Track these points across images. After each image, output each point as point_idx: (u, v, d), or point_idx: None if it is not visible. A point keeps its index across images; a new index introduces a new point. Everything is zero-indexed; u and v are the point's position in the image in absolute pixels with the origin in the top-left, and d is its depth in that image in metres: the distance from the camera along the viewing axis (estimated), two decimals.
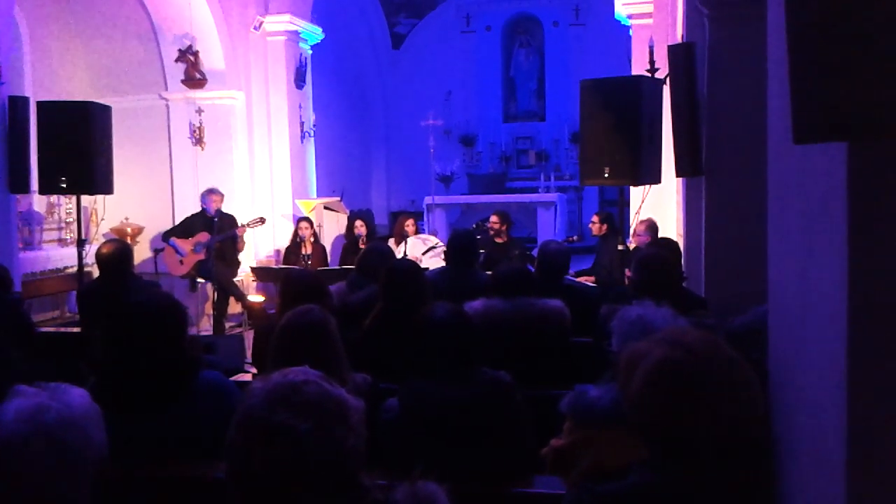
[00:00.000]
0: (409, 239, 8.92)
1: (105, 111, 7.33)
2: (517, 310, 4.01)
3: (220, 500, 1.57)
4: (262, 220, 9.25)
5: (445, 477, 1.61)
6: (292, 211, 10.69)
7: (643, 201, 6.83)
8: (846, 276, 1.27)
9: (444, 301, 3.12)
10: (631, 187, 7.03)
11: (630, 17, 9.31)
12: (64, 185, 7.07)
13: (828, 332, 1.40)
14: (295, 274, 4.52)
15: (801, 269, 1.70)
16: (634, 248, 7.05)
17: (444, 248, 6.41)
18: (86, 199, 8.23)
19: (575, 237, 12.27)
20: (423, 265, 6.67)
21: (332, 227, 10.70)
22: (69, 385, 1.77)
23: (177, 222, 9.62)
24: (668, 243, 5.69)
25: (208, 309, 9.38)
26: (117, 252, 5.40)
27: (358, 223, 9.30)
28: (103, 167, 7.14)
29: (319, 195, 11.58)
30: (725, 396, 1.64)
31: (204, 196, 9.13)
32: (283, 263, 9.49)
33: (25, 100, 7.17)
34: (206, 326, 9.35)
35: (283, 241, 10.15)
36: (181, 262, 9.00)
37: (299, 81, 10.97)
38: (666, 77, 6.06)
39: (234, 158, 10.41)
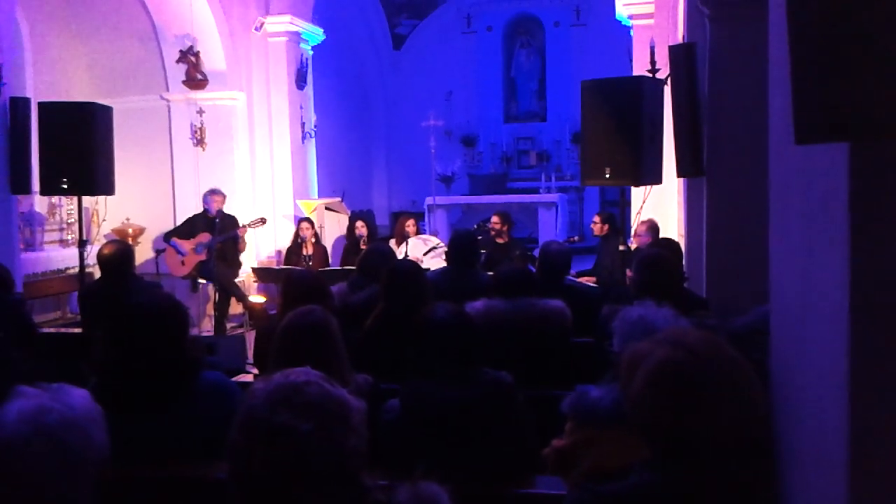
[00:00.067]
0: (410, 239, 8.92)
1: (106, 112, 7.34)
2: (518, 310, 4.00)
3: (222, 501, 1.57)
4: (263, 221, 9.26)
5: (447, 477, 1.61)
6: (293, 211, 10.69)
7: (644, 202, 6.83)
8: (847, 276, 1.27)
9: (445, 301, 3.12)
10: (632, 188, 7.02)
11: (631, 17, 9.31)
12: (65, 186, 7.08)
13: (829, 332, 1.40)
14: (296, 275, 4.52)
15: (802, 269, 1.70)
16: (635, 248, 7.04)
17: (445, 249, 6.41)
18: (87, 200, 8.24)
19: (576, 237, 12.27)
20: (424, 266, 6.66)
21: (333, 227, 10.70)
22: (71, 386, 1.77)
23: (178, 223, 9.62)
24: (669, 244, 5.69)
25: (209, 310, 9.38)
26: (119, 253, 5.40)
27: (359, 224, 9.31)
28: (104, 168, 7.15)
29: (320, 196, 11.58)
30: (727, 397, 1.64)
31: (206, 196, 9.14)
32: (285, 264, 9.50)
33: (27, 101, 7.17)
34: (207, 327, 9.35)
35: (285, 242, 10.15)
36: (182, 262, 9.01)
37: (300, 82, 10.97)
38: (667, 77, 6.06)
39: (236, 159, 10.41)
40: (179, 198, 10.39)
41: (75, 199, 7.51)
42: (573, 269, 7.25)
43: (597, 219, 8.74)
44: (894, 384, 1.26)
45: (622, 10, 9.45)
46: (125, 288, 5.14)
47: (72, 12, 10.16)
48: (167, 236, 9.18)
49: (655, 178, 6.22)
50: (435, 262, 8.02)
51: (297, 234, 9.52)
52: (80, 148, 6.95)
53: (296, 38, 10.91)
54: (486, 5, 17.24)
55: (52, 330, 7.24)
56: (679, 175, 5.94)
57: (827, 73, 1.14)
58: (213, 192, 9.13)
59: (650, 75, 6.34)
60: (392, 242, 9.03)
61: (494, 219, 8.82)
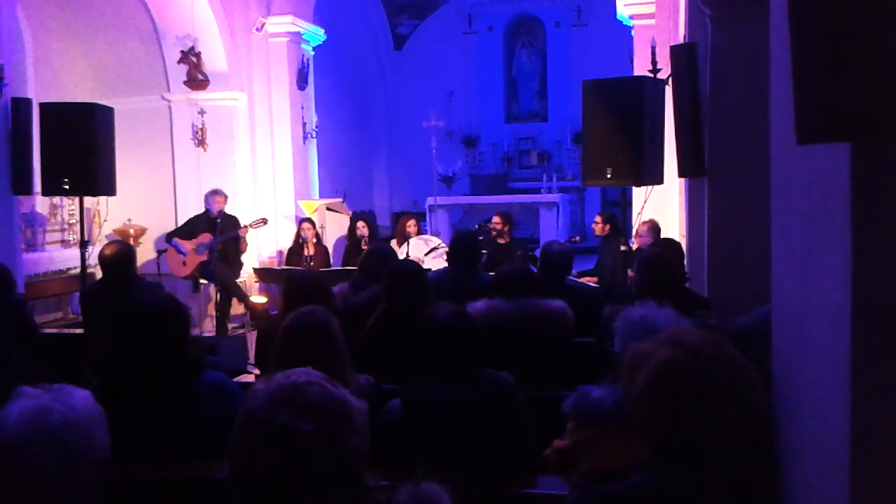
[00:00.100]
0: (411, 240, 8.92)
1: (107, 113, 7.34)
2: (520, 310, 4.00)
3: (223, 501, 1.57)
4: (265, 221, 9.26)
5: (448, 478, 1.61)
6: (294, 212, 10.69)
7: (645, 202, 6.83)
8: (849, 276, 1.28)
9: (446, 302, 3.12)
10: (633, 188, 7.02)
11: (632, 17, 9.30)
12: (67, 187, 7.08)
13: (830, 332, 1.40)
14: (297, 275, 4.53)
15: (803, 269, 1.70)
16: (637, 248, 7.05)
17: (447, 249, 6.41)
18: (88, 201, 8.24)
19: (577, 238, 12.28)
20: (425, 266, 6.66)
21: (334, 228, 10.70)
22: (72, 386, 1.77)
23: (179, 224, 9.63)
24: (671, 244, 5.69)
25: (211, 310, 9.39)
26: (120, 253, 5.40)
27: (360, 224, 9.31)
28: (106, 169, 7.15)
29: (322, 196, 11.59)
30: (728, 397, 1.64)
31: (207, 197, 9.14)
32: (286, 264, 9.50)
33: (28, 101, 7.18)
34: (208, 327, 9.36)
35: (286, 243, 10.15)
36: (184, 263, 9.02)
37: (301, 82, 10.97)
38: (668, 77, 6.06)
39: (237, 159, 10.42)
40: (181, 198, 10.39)
41: (77, 199, 7.52)
42: (574, 270, 7.26)
43: (598, 219, 8.74)
44: (894, 384, 1.26)
45: (623, 11, 9.45)
46: (126, 288, 5.15)
47: (73, 13, 10.16)
48: (169, 236, 9.19)
49: (657, 178, 6.22)
50: (436, 263, 8.02)
51: (298, 235, 9.52)
52: (81, 148, 6.95)
53: (297, 38, 10.91)
54: (487, 5, 17.24)
55: (53, 330, 7.24)
56: (680, 175, 5.93)
57: (828, 74, 1.15)
58: (215, 192, 9.14)
59: (651, 75, 6.34)
60: (393, 243, 9.03)
61: (496, 219, 8.82)
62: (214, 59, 10.16)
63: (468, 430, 2.74)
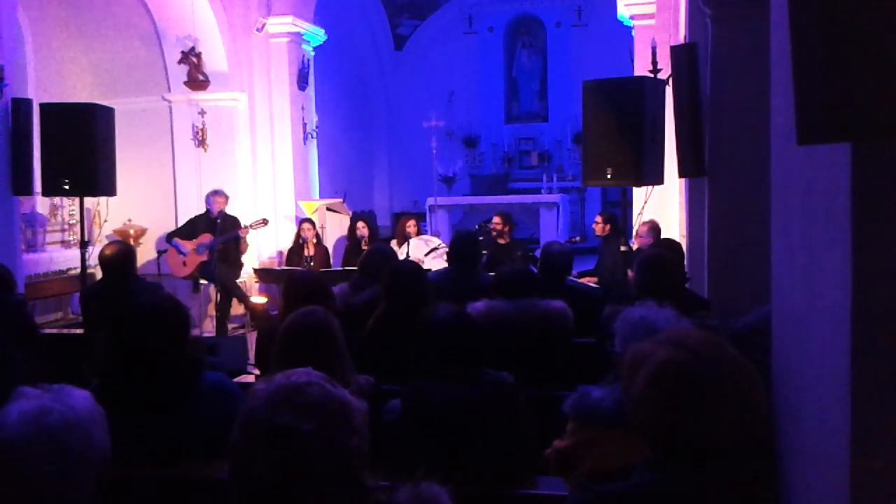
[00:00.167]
0: (411, 240, 8.92)
1: (108, 113, 7.34)
2: (520, 311, 4.00)
3: (223, 501, 1.57)
4: (265, 222, 9.26)
5: (448, 478, 1.61)
6: (295, 212, 10.69)
7: (646, 202, 6.83)
8: (849, 276, 1.27)
9: (446, 302, 3.12)
10: (633, 188, 7.02)
11: (632, 17, 9.30)
12: (67, 187, 7.08)
13: (830, 332, 1.40)
14: (297, 275, 4.53)
15: (803, 269, 1.70)
16: (637, 249, 7.04)
17: (447, 250, 6.41)
18: (89, 201, 8.25)
19: (577, 238, 12.28)
20: (425, 266, 6.66)
21: (334, 228, 10.70)
22: (72, 387, 1.77)
23: (179, 224, 9.63)
24: (671, 244, 5.69)
25: (211, 310, 9.39)
26: (120, 254, 5.40)
27: (360, 224, 9.31)
28: (106, 169, 7.15)
29: (322, 196, 11.59)
30: (728, 397, 1.64)
31: (208, 197, 9.14)
32: (286, 265, 9.50)
33: (28, 102, 7.18)
34: (208, 328, 9.36)
35: (286, 243, 10.15)
36: (184, 263, 9.02)
37: (302, 83, 10.98)
38: (668, 78, 6.06)
39: (237, 160, 10.42)
40: (181, 199, 10.39)
41: (77, 199, 7.52)
42: (575, 270, 7.26)
43: (599, 219, 8.74)
44: (895, 384, 1.26)
45: (623, 11, 9.45)
46: (127, 289, 5.15)
47: (73, 13, 10.17)
48: (169, 237, 9.19)
49: (657, 178, 6.22)
50: (436, 263, 8.02)
51: (298, 235, 9.52)
52: (81, 149, 6.95)
53: (297, 38, 10.91)
54: (488, 6, 17.24)
55: (53, 331, 7.24)
56: (680, 175, 5.93)
57: (828, 74, 1.14)
58: (216, 192, 9.14)
59: (651, 75, 6.34)
60: (393, 243, 9.03)
61: (496, 219, 8.82)
62: (215, 59, 10.16)
63: (468, 431, 2.74)
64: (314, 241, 9.40)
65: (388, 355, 3.66)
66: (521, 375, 3.00)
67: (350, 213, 10.88)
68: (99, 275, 5.96)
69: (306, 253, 9.36)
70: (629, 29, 9.65)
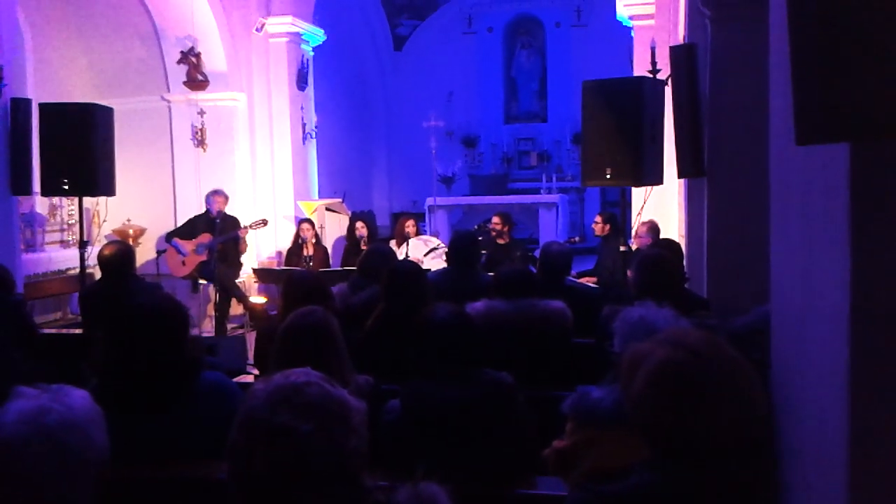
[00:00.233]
0: (410, 240, 8.91)
1: (107, 113, 7.34)
2: (519, 311, 4.00)
3: (222, 501, 1.57)
4: (265, 222, 9.25)
5: (447, 478, 1.60)
6: (294, 212, 10.69)
7: (645, 202, 6.83)
8: (848, 276, 1.28)
9: (445, 302, 3.12)
10: (633, 188, 7.02)
11: (632, 18, 9.31)
12: (66, 187, 7.08)
13: (829, 332, 1.40)
14: (296, 275, 4.52)
15: (802, 269, 1.70)
16: (636, 249, 7.04)
17: (446, 250, 6.41)
18: (88, 201, 8.24)
19: (577, 238, 12.27)
20: (424, 266, 6.66)
21: (333, 228, 10.70)
22: (71, 387, 1.76)
23: (178, 224, 9.63)
24: (670, 244, 5.69)
25: (210, 310, 9.38)
26: (119, 254, 5.40)
27: (359, 224, 9.30)
28: (105, 169, 7.15)
29: (321, 196, 11.59)
30: (727, 397, 1.64)
31: (208, 197, 9.13)
32: (285, 265, 9.50)
33: (28, 102, 7.17)
34: (207, 328, 9.35)
35: (285, 243, 10.15)
36: (183, 262, 9.01)
37: (301, 83, 10.97)
38: (668, 78, 6.06)
39: (236, 160, 10.42)
40: (180, 199, 10.39)
41: (76, 199, 7.52)
42: (574, 270, 7.25)
43: (598, 219, 8.73)
44: (894, 384, 1.26)
45: (623, 11, 9.45)
46: (126, 289, 5.14)
47: (73, 13, 10.16)
48: (169, 236, 9.19)
49: (656, 178, 6.22)
50: (435, 263, 8.02)
51: (297, 235, 9.52)
52: (80, 149, 6.95)
53: (297, 38, 10.91)
54: (487, 6, 17.24)
55: (52, 331, 7.24)
56: (680, 176, 5.93)
57: (827, 74, 1.15)
58: (216, 192, 9.13)
59: (651, 76, 6.34)
60: (392, 243, 9.03)
61: (495, 219, 8.82)
62: (214, 59, 10.16)
63: (467, 431, 2.74)
64: (313, 241, 9.40)
65: (387, 355, 3.66)
66: (520, 375, 3.00)
67: (349, 213, 10.88)
68: (98, 275, 5.97)
69: (305, 253, 9.36)
70: (628, 29, 9.65)
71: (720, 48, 4.90)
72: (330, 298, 3.97)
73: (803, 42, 1.20)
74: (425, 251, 8.79)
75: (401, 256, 7.99)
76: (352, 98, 15.93)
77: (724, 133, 4.94)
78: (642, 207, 6.97)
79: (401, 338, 3.45)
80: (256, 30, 10.54)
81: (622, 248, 7.07)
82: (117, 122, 7.50)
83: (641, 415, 1.71)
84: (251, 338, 5.91)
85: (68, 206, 9.71)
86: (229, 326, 9.28)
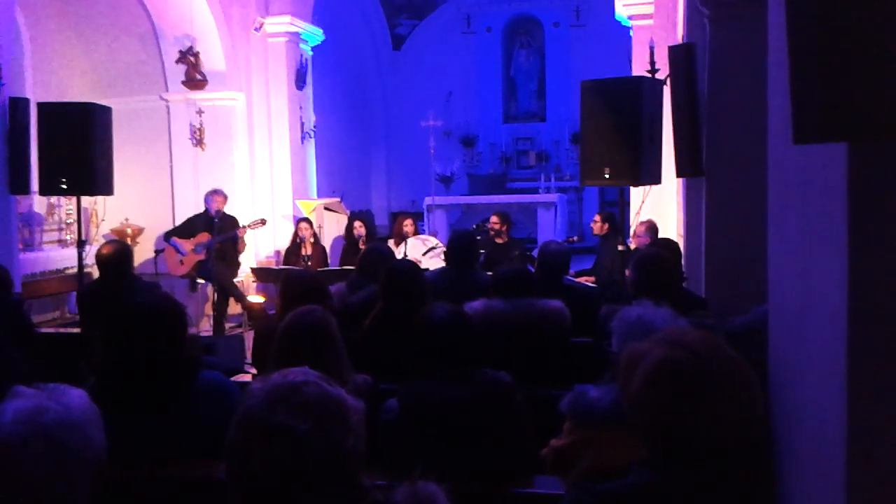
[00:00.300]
0: (409, 240, 8.91)
1: (105, 112, 7.33)
2: (517, 310, 4.00)
3: (221, 501, 1.57)
4: (263, 222, 9.25)
5: (445, 477, 1.60)
6: (292, 212, 10.69)
7: (643, 202, 6.83)
8: (846, 275, 1.27)
9: (444, 301, 3.12)
10: (631, 188, 7.02)
11: (630, 17, 9.31)
12: (64, 186, 7.07)
13: (828, 331, 1.40)
14: (295, 274, 4.52)
15: (801, 269, 1.70)
16: (634, 248, 7.04)
17: (444, 249, 6.41)
18: (86, 201, 8.23)
19: (575, 238, 12.26)
20: (423, 266, 6.66)
21: (332, 227, 10.69)
22: (68, 386, 1.76)
23: (177, 223, 9.63)
24: (668, 244, 5.69)
25: (208, 309, 9.38)
26: (117, 253, 5.40)
27: (357, 224, 9.29)
28: (104, 168, 7.14)
29: (320, 196, 11.58)
30: (725, 396, 1.64)
31: (207, 196, 9.13)
32: (284, 264, 9.49)
33: (26, 101, 7.17)
34: (206, 327, 9.35)
35: (284, 242, 10.14)
36: (181, 262, 9.01)
37: (300, 82, 10.97)
38: (666, 78, 6.06)
39: (235, 159, 10.41)
40: (178, 198, 10.38)
41: (74, 199, 7.50)
42: (572, 269, 7.26)
43: (597, 218, 8.74)
44: (893, 384, 1.26)
45: (621, 11, 9.45)
46: (124, 288, 5.14)
47: (71, 13, 10.15)
48: (167, 235, 9.18)
49: (654, 178, 6.22)
50: (434, 263, 8.02)
51: (295, 235, 9.51)
52: (79, 148, 6.94)
53: (295, 38, 10.91)
54: (486, 6, 17.25)
55: (50, 330, 7.23)
56: (678, 175, 5.94)
57: (825, 74, 1.14)
58: (215, 192, 9.12)
59: (649, 76, 6.34)
60: (391, 243, 9.02)
61: (493, 219, 8.82)
62: (213, 58, 10.15)
63: (466, 430, 2.74)
64: (311, 240, 9.39)
65: (385, 355, 3.66)
66: (518, 375, 3.00)
67: (347, 212, 10.87)
68: (96, 274, 5.96)
69: (304, 252, 9.35)
70: (627, 29, 9.65)
71: (719, 48, 4.90)
72: (328, 298, 3.97)
73: (802, 41, 1.20)
74: (423, 250, 8.79)
75: (399, 256, 7.99)
76: (350, 98, 15.92)
77: (722, 133, 4.94)
78: (641, 207, 6.97)
79: (399, 337, 3.45)
80: (255, 29, 10.54)
81: (620, 248, 7.07)
82: (116, 122, 7.50)
83: (639, 414, 1.71)
84: (249, 337, 5.92)
85: (66, 206, 9.70)
86: (227, 326, 9.28)
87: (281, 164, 10.82)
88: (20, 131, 6.92)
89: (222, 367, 3.54)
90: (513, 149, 17.13)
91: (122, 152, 8.33)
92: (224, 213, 9.07)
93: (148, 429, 2.62)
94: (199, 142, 9.62)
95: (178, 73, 10.20)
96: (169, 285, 8.14)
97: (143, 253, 9.98)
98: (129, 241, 9.69)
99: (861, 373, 1.27)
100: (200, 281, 9.27)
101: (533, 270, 4.96)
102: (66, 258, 9.29)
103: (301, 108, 11.03)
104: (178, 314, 2.80)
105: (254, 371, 4.35)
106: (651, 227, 7.41)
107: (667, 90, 6.12)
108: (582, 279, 7.64)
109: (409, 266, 4.42)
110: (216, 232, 8.80)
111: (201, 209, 9.18)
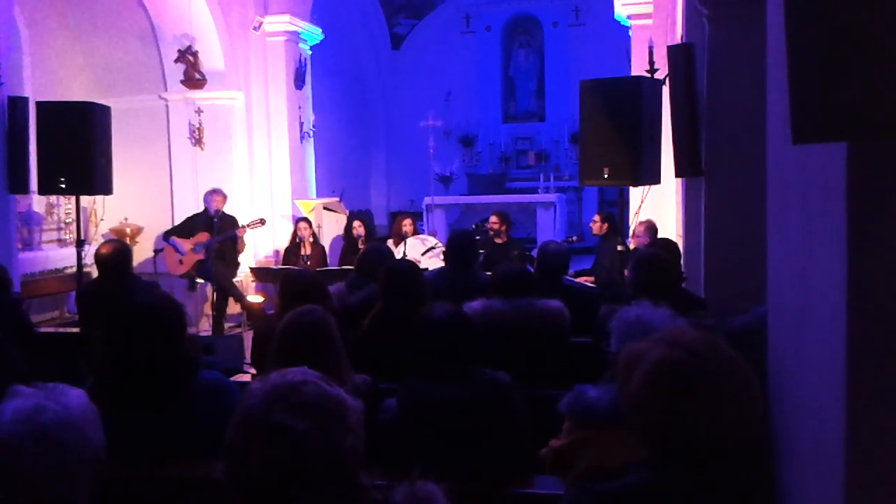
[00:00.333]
0: (408, 239, 8.91)
1: (104, 111, 7.33)
2: (516, 310, 4.00)
3: (219, 500, 1.57)
4: (263, 222, 9.24)
5: (444, 477, 1.60)
6: (291, 211, 10.68)
7: (642, 202, 6.83)
8: (845, 275, 1.27)
9: (443, 301, 3.12)
10: (630, 188, 7.02)
11: (630, 17, 9.31)
12: (63, 186, 7.07)
13: (827, 331, 1.40)
14: (294, 274, 4.52)
15: (800, 269, 1.70)
16: (634, 248, 7.04)
17: (444, 249, 6.41)
18: (85, 200, 8.23)
19: (574, 237, 12.28)
20: (422, 266, 6.66)
21: (331, 227, 10.69)
22: (67, 385, 1.76)
23: (176, 223, 9.62)
24: (667, 244, 5.69)
25: (207, 309, 9.37)
26: (116, 252, 5.39)
27: (356, 223, 9.29)
28: (103, 167, 7.14)
29: (319, 196, 11.57)
30: (724, 396, 1.64)
31: (207, 196, 9.12)
32: (283, 264, 9.49)
33: (25, 100, 7.17)
34: (205, 327, 9.35)
35: (283, 242, 10.14)
36: (181, 261, 9.00)
37: (299, 82, 10.96)
38: (665, 77, 6.06)
39: (234, 159, 10.40)
40: (177, 197, 10.38)
41: (73, 198, 7.50)
42: (571, 269, 7.27)
43: (597, 217, 8.74)
44: (892, 383, 1.26)
45: (621, 11, 9.45)
46: (123, 287, 5.14)
47: (70, 12, 10.15)
48: (167, 235, 9.18)
49: (654, 178, 6.22)
50: (433, 262, 8.02)
51: (295, 234, 9.51)
52: (78, 147, 6.93)
53: (294, 37, 10.90)
54: (485, 5, 17.24)
55: (49, 329, 7.23)
56: (677, 175, 5.94)
57: (824, 73, 1.14)
58: (214, 191, 9.12)
59: (649, 75, 6.34)
60: (390, 242, 9.02)
61: (493, 219, 8.82)
62: (212, 58, 10.15)
63: (465, 430, 2.74)
64: (311, 240, 9.39)
65: (384, 354, 3.65)
66: (517, 375, 3.00)
67: (347, 212, 10.87)
68: (95, 273, 5.96)
69: (303, 252, 9.35)
70: (626, 29, 9.65)
71: (718, 47, 4.90)
72: (327, 297, 3.97)
73: (801, 41, 1.20)
74: (423, 250, 8.78)
75: (398, 256, 7.99)
76: (349, 97, 15.92)
77: (721, 133, 4.94)
78: (640, 207, 6.97)
79: (398, 337, 3.45)
80: (254, 28, 10.53)
81: (620, 248, 7.07)
82: (115, 121, 7.49)
83: (638, 414, 1.71)
84: (248, 337, 5.91)
85: (65, 205, 9.70)
86: (226, 325, 9.28)
87: (280, 164, 10.81)
88: (19, 130, 6.91)
89: (221, 367, 3.54)
90: (512, 149, 17.13)
91: (121, 152, 8.32)
92: (223, 213, 9.07)
93: (147, 428, 2.62)
94: (198, 141, 9.62)
95: (177, 72, 10.20)
96: (168, 285, 8.13)
97: (142, 252, 9.97)
98: (128, 240, 9.68)
99: (861, 373, 1.27)
100: (199, 280, 9.27)
101: (532, 270, 4.96)
102: (65, 257, 9.29)
103: (300, 107, 11.03)
104: (176, 314, 2.80)
105: (253, 371, 4.35)
106: (650, 227, 7.41)
107: (666, 90, 6.12)
108: (581, 279, 7.64)
109: (409, 266, 4.42)
110: (215, 231, 8.79)
111: (200, 208, 9.18)
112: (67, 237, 9.73)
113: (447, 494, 1.59)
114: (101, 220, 9.68)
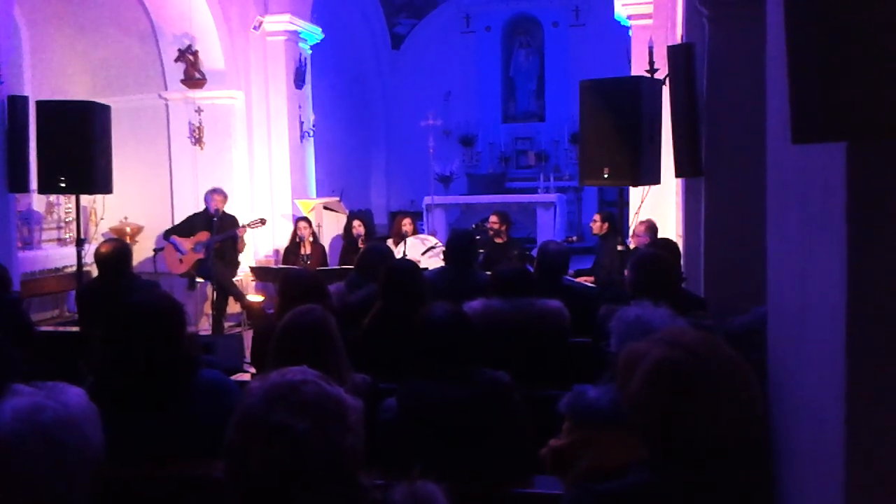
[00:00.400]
0: (408, 239, 8.91)
1: (104, 111, 7.33)
2: (516, 310, 4.00)
3: (219, 500, 1.57)
4: (263, 222, 9.24)
5: (444, 477, 1.60)
6: (291, 211, 10.68)
7: (642, 202, 6.83)
8: (845, 275, 1.27)
9: (443, 301, 3.12)
10: (630, 188, 7.02)
11: (630, 17, 9.31)
12: (63, 185, 7.07)
13: (827, 331, 1.40)
14: (294, 274, 4.52)
15: (800, 269, 1.70)
16: (634, 248, 7.05)
17: (444, 249, 6.41)
18: (85, 199, 8.23)
19: (574, 237, 12.29)
20: (422, 265, 6.66)
21: (331, 227, 10.69)
22: (66, 384, 1.76)
23: (176, 222, 9.62)
24: (667, 244, 5.68)
25: (207, 308, 9.38)
26: (116, 251, 5.39)
27: (356, 223, 9.29)
28: (103, 167, 7.14)
29: (319, 195, 11.58)
30: (724, 396, 1.64)
31: (207, 195, 9.12)
32: (283, 263, 9.49)
33: (25, 99, 7.17)
34: (205, 326, 9.34)
35: (283, 241, 10.14)
36: (181, 260, 9.00)
37: (299, 81, 10.96)
38: (665, 77, 6.05)
39: (234, 158, 10.40)
40: (177, 197, 10.38)
41: (73, 197, 7.50)
42: (571, 269, 7.27)
43: (597, 217, 8.74)
44: (892, 383, 1.26)
45: (621, 11, 9.45)
46: (123, 286, 5.14)
47: (70, 11, 10.15)
48: (167, 234, 9.18)
49: (654, 178, 6.22)
50: (433, 262, 8.02)
51: (294, 234, 9.50)
52: (78, 146, 6.94)
53: (294, 37, 10.90)
54: (485, 5, 17.24)
55: (49, 328, 7.23)
56: (677, 175, 5.93)
57: (824, 73, 1.14)
58: (215, 190, 9.12)
59: (649, 75, 6.34)
60: (390, 242, 9.02)
61: (493, 218, 8.82)
62: (212, 57, 10.15)
63: (464, 430, 2.74)
64: (311, 239, 9.39)
65: (384, 354, 3.65)
66: (517, 374, 3.00)
67: (347, 211, 10.87)
68: (95, 272, 5.96)
69: (303, 251, 9.35)
70: (626, 29, 9.65)
71: (718, 47, 4.90)
72: (327, 297, 3.97)
73: (801, 41, 1.20)
74: (423, 250, 8.79)
75: (398, 255, 7.99)
76: (350, 97, 15.92)
77: (721, 132, 4.94)
78: (640, 207, 6.97)
79: (398, 336, 3.45)
80: (254, 28, 10.53)
81: (620, 248, 7.07)
82: (115, 120, 7.49)
83: (638, 414, 1.71)
84: (248, 336, 5.91)
85: (65, 204, 9.70)
86: (226, 325, 9.28)
87: (280, 163, 10.81)
88: (19, 129, 6.91)
89: (221, 366, 3.54)
90: (512, 148, 17.12)
91: (121, 151, 8.33)
92: (224, 212, 9.07)
93: (146, 427, 2.62)
94: (198, 140, 9.62)
95: (177, 71, 10.20)
96: (168, 284, 8.14)
97: (142, 251, 9.98)
98: (128, 239, 9.69)
99: (860, 373, 1.27)
100: (199, 280, 9.27)
101: (532, 270, 4.96)
102: (65, 257, 9.29)
103: (300, 107, 11.03)
104: (176, 313, 2.80)
105: (253, 370, 4.35)
106: (650, 227, 7.41)
107: (666, 90, 6.11)
108: (581, 279, 7.63)
109: (409, 265, 4.43)
110: (216, 231, 8.79)
111: (200, 208, 9.18)
112: (67, 236, 9.73)
113: (447, 494, 1.59)
114: (101, 219, 9.68)
